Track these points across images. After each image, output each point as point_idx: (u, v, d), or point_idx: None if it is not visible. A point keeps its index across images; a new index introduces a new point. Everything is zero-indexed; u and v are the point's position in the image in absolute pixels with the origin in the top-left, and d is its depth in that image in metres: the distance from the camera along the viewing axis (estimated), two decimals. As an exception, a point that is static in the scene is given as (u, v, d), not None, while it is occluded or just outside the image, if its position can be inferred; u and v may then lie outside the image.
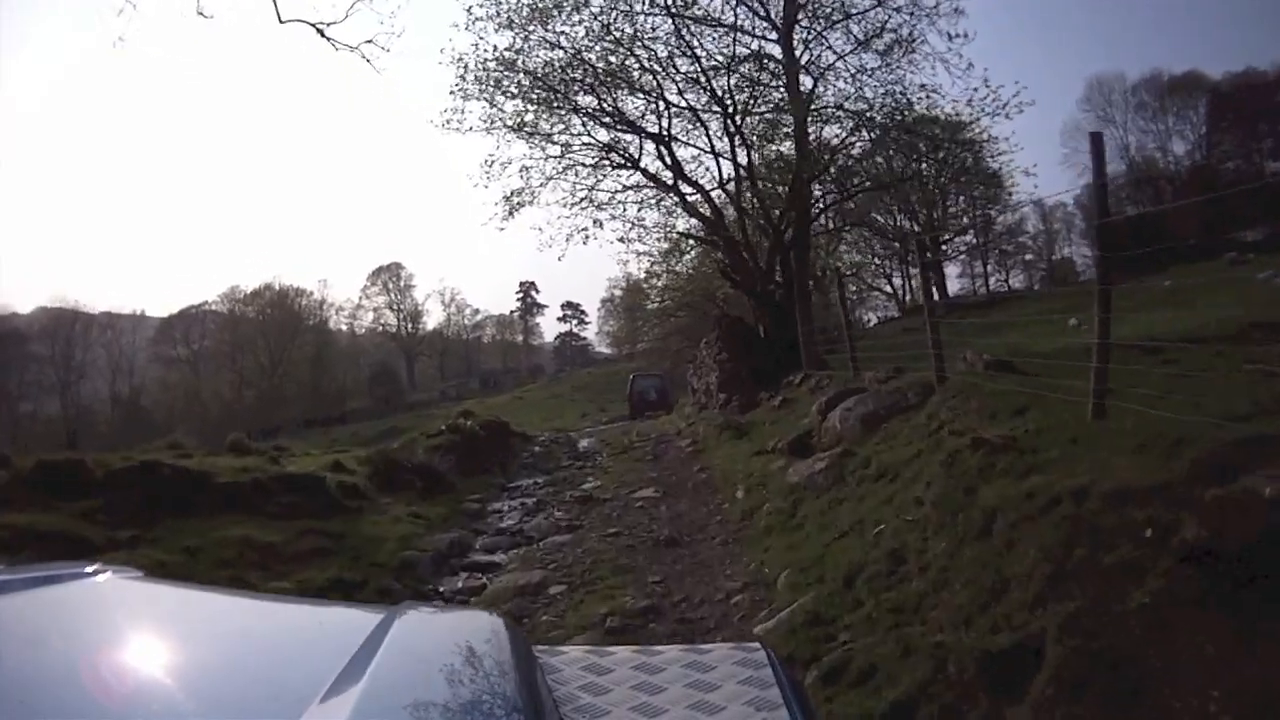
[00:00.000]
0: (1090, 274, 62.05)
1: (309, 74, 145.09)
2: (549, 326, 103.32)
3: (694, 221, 20.44)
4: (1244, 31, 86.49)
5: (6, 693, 1.26)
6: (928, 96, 17.70)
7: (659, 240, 21.00)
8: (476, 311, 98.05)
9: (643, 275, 27.81)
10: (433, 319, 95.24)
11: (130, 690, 1.37)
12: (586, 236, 19.74)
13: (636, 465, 14.72)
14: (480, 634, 1.97)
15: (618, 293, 62.39)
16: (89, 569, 1.99)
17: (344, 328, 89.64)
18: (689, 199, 19.40)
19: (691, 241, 21.28)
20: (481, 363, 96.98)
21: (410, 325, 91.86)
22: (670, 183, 19.35)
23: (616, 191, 19.83)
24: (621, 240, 20.20)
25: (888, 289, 64.89)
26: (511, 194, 19.51)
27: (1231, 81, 56.19)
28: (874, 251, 56.64)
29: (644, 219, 20.13)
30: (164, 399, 74.68)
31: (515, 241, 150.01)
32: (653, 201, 20.05)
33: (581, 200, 19.67)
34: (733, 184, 19.21)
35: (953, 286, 59.86)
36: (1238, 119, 54.24)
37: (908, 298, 64.55)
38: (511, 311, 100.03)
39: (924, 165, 19.68)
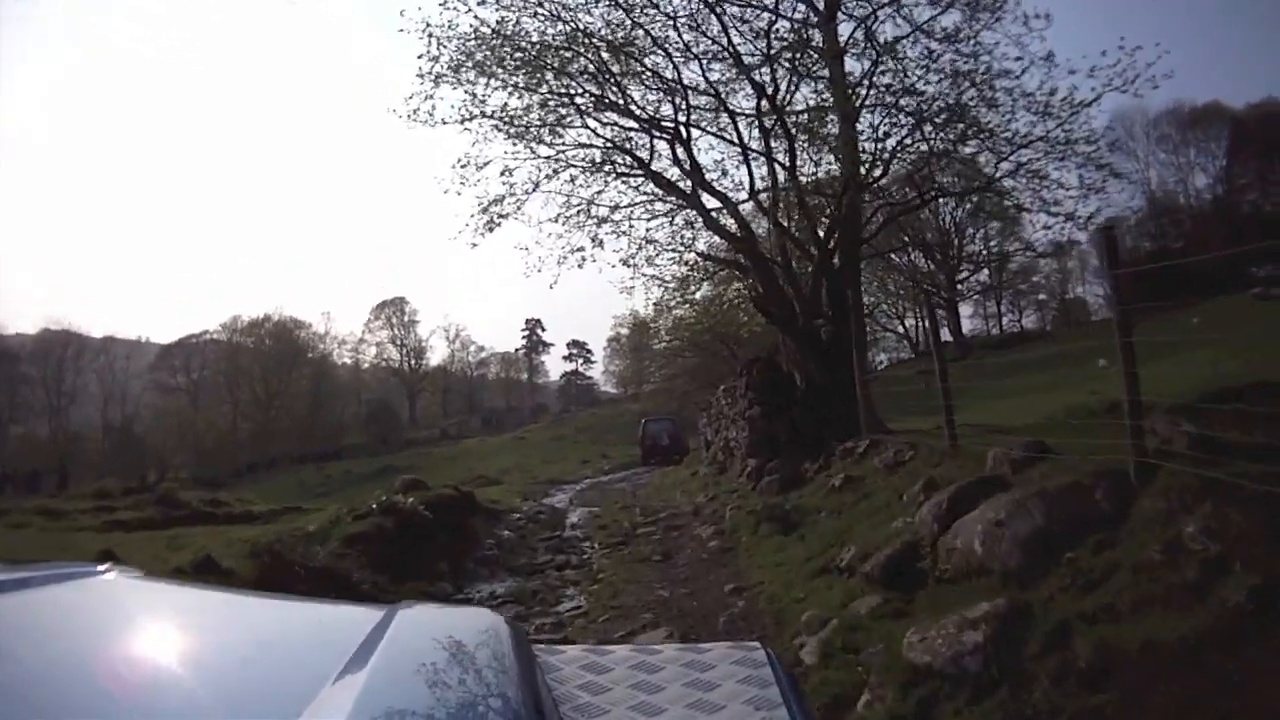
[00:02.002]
0: (1103, 314, 59.85)
1: (323, 101, 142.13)
2: (554, 365, 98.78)
3: (716, 240, 16.07)
4: (1266, 60, 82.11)
5: (8, 691, 1.21)
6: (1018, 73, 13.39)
7: (672, 261, 16.33)
8: (481, 348, 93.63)
9: (650, 309, 22.60)
10: (436, 355, 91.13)
11: (130, 689, 1.30)
12: (583, 258, 15.38)
13: (639, 570, 10.12)
14: (480, 632, 1.85)
15: (624, 331, 58.30)
16: (86, 569, 1.91)
17: (346, 361, 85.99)
18: (711, 212, 15.06)
19: (712, 265, 16.48)
20: (485, 400, 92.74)
21: (413, 361, 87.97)
22: (688, 191, 15.05)
23: (619, 205, 15.52)
24: (625, 263, 15.64)
25: (899, 329, 61.39)
26: (490, 203, 15.21)
27: (1252, 112, 52.56)
28: (888, 290, 52.96)
29: (654, 236, 15.73)
30: (158, 427, 70.36)
31: (520, 277, 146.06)
32: (664, 215, 15.67)
33: (577, 213, 15.38)
34: (767, 194, 14.82)
35: (965, 325, 56.77)
36: (1258, 151, 50.63)
37: (921, 339, 61.36)
38: (517, 349, 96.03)
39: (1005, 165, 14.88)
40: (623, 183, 15.48)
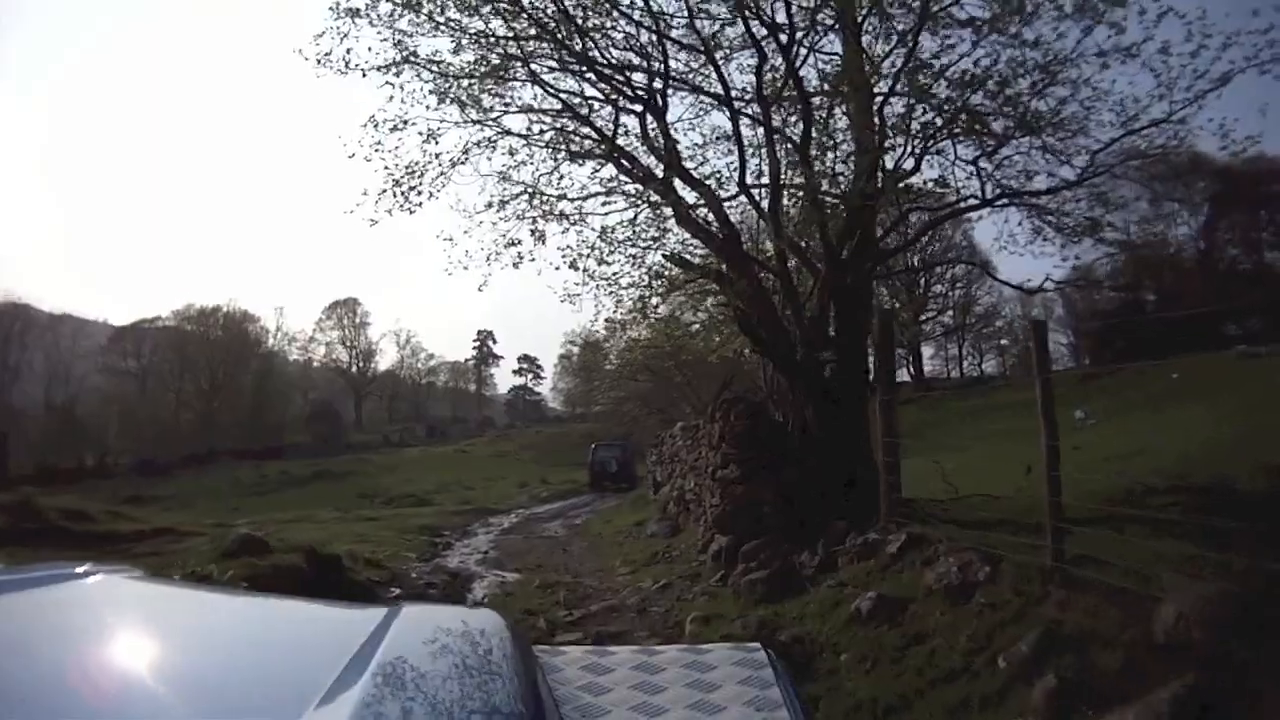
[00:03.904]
0: (1067, 362, 57.21)
1: (294, 97, 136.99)
2: (504, 379, 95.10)
3: (691, 244, 11.90)
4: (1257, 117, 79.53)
5: (2, 694, 1.18)
6: None
7: (632, 264, 11.47)
8: (431, 356, 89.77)
9: (602, 325, 17.36)
10: (386, 359, 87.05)
11: (128, 692, 1.27)
12: (520, 255, 11.39)
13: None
14: (480, 632, 1.79)
15: (574, 349, 54.49)
16: (81, 569, 1.88)
17: (296, 358, 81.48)
18: (686, 208, 10.80)
19: (682, 272, 11.64)
20: (431, 409, 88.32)
21: (362, 363, 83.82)
22: (659, 175, 10.93)
23: (568, 195, 11.54)
24: (573, 266, 11.59)
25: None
26: (404, 173, 11.28)
27: (1240, 167, 50.10)
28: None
29: (612, 235, 11.64)
30: (102, 411, 65.58)
31: (475, 286, 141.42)
32: (624, 210, 11.57)
33: (516, 198, 11.48)
34: (763, 189, 10.78)
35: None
36: (1243, 206, 48.27)
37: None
38: (467, 360, 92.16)
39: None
40: (576, 164, 11.68)
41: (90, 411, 65.56)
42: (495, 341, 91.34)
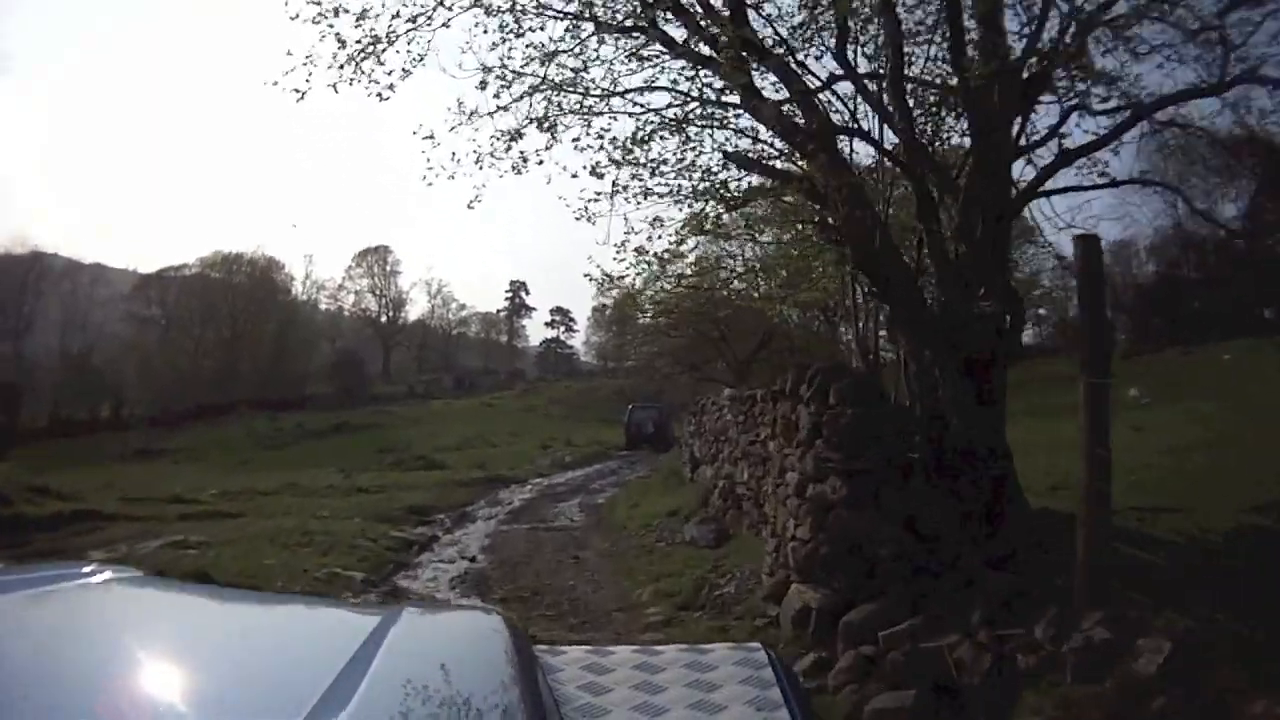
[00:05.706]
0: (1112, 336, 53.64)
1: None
2: (535, 331, 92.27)
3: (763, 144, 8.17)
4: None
5: (3, 695, 1.15)
6: None
7: (675, 174, 8.12)
8: (463, 306, 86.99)
9: (632, 257, 12.77)
10: (416, 309, 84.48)
11: (127, 692, 1.25)
12: (523, 156, 8.03)
13: None
14: (480, 633, 1.79)
15: (607, 302, 51.55)
16: (85, 569, 1.84)
17: (325, 306, 79.35)
18: (773, 102, 7.42)
19: (747, 179, 8.42)
20: (462, 359, 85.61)
21: (392, 312, 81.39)
22: (722, 41, 7.29)
23: (583, 80, 8.19)
24: (594, 172, 8.23)
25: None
26: (357, 26, 7.95)
27: (1283, 145, 45.95)
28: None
29: (653, 128, 8.00)
30: (121, 359, 63.22)
31: (509, 234, 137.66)
32: (666, 108, 8.12)
33: (527, 65, 8.02)
34: (876, 75, 7.48)
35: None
36: (1288, 186, 44.41)
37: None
38: (499, 311, 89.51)
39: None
40: (601, 39, 8.26)
41: (109, 360, 63.53)
42: (528, 293, 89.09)
